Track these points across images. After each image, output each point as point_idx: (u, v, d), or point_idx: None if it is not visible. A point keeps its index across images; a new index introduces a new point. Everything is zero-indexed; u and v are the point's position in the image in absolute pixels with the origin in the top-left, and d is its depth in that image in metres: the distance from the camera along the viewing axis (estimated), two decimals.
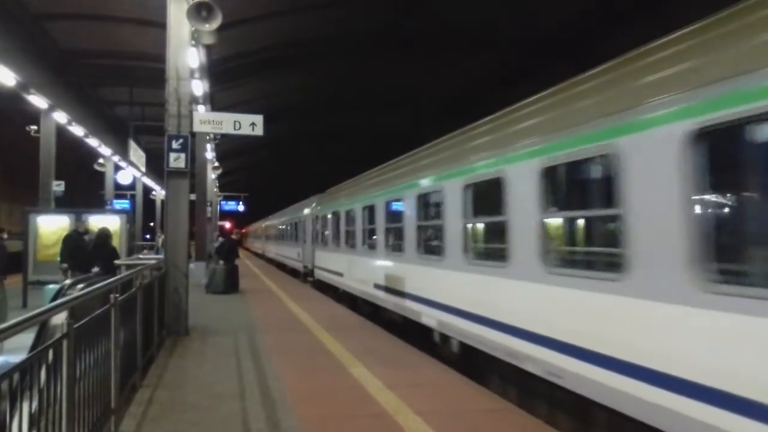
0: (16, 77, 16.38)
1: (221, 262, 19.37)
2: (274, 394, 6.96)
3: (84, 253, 14.19)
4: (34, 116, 22.54)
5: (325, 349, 9.67)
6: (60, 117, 21.64)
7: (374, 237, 13.52)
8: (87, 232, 14.68)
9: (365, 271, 14.21)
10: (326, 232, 19.76)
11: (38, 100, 19.47)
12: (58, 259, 14.05)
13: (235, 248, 20.80)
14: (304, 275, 24.40)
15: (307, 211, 24.18)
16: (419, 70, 26.68)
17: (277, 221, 38.81)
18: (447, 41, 22.95)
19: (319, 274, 20.96)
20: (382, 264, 12.74)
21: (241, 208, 58.92)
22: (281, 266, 34.04)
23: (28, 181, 24.82)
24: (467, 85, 29.68)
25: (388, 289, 12.16)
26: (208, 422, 5.93)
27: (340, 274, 17.15)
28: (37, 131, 22.62)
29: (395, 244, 12.13)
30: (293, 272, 28.45)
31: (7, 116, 26.99)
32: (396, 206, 12.02)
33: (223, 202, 54.98)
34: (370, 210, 13.86)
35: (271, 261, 41.69)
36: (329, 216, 19.11)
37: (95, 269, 12.51)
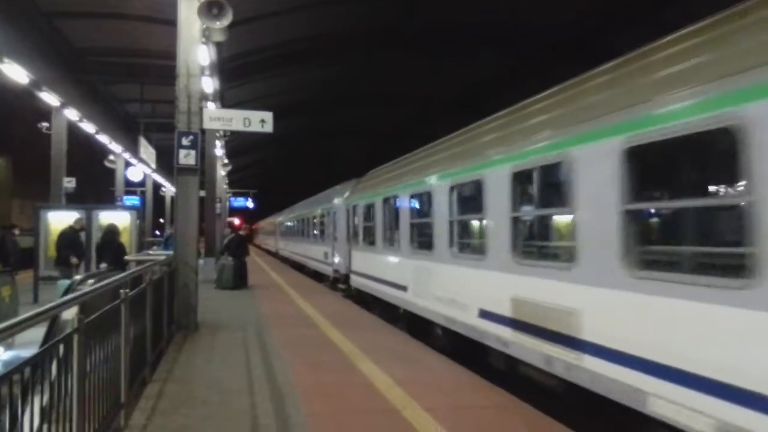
0: (28, 75, 16.49)
1: (230, 258, 19.44)
2: (283, 389, 6.99)
3: (79, 249, 14.46)
4: (46, 113, 22.69)
5: (332, 345, 9.70)
6: (71, 114, 21.77)
7: (483, 234, 8.36)
8: (83, 229, 14.91)
9: (459, 288, 9.09)
10: (371, 227, 14.72)
11: (50, 98, 19.59)
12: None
13: (244, 244, 20.78)
14: (334, 281, 19.93)
15: (337, 200, 19.63)
16: (427, 67, 26.62)
17: (294, 215, 33.50)
18: (453, 39, 22.92)
19: (359, 283, 16.16)
20: (508, 280, 7.48)
21: (250, 204, 59.20)
22: (299, 267, 29.61)
23: (39, 177, 25.01)
24: (474, 82, 29.61)
25: (524, 326, 7.08)
26: (217, 417, 5.98)
27: (401, 287, 11.86)
28: (49, 128, 22.78)
29: (553, 248, 7.63)
30: (317, 276, 23.90)
31: (19, 113, 27.22)
32: (550, 178, 7.09)
33: (232, 199, 55.19)
34: (474, 190, 8.69)
35: (285, 260, 37.10)
36: (377, 205, 14.05)
37: (102, 265, 12.65)
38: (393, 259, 12.79)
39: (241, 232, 22.81)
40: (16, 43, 15.84)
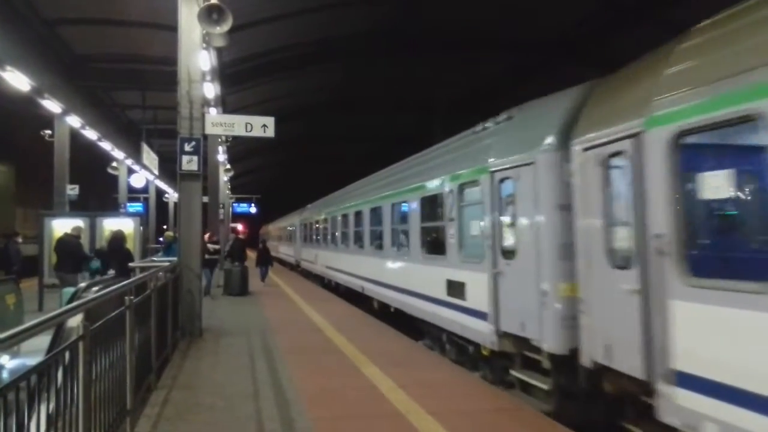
0: (30, 82, 16.50)
1: (236, 263, 19.47)
2: (288, 394, 6.99)
3: (80, 257, 14.37)
4: (49, 121, 22.72)
5: (337, 350, 9.69)
6: (73, 121, 21.79)
7: None
8: (80, 236, 14.83)
9: None
10: None
11: (52, 105, 19.59)
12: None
13: (243, 248, 20.85)
14: (493, 358, 8.16)
15: (524, 153, 7.36)
16: (429, 71, 26.66)
17: (342, 206, 19.95)
18: (456, 42, 22.94)
19: None
20: None
21: (253, 209, 59.23)
22: (347, 293, 18.46)
23: (43, 185, 25.03)
24: (476, 86, 29.64)
25: None
26: (222, 423, 5.97)
27: None
28: (51, 135, 22.81)
29: None
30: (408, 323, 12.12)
31: (21, 121, 27.23)
32: None
33: (235, 204, 55.23)
34: None
35: (308, 275, 27.58)
36: None
37: (110, 272, 12.62)
38: None
39: (240, 237, 22.81)
40: (18, 51, 15.86)
